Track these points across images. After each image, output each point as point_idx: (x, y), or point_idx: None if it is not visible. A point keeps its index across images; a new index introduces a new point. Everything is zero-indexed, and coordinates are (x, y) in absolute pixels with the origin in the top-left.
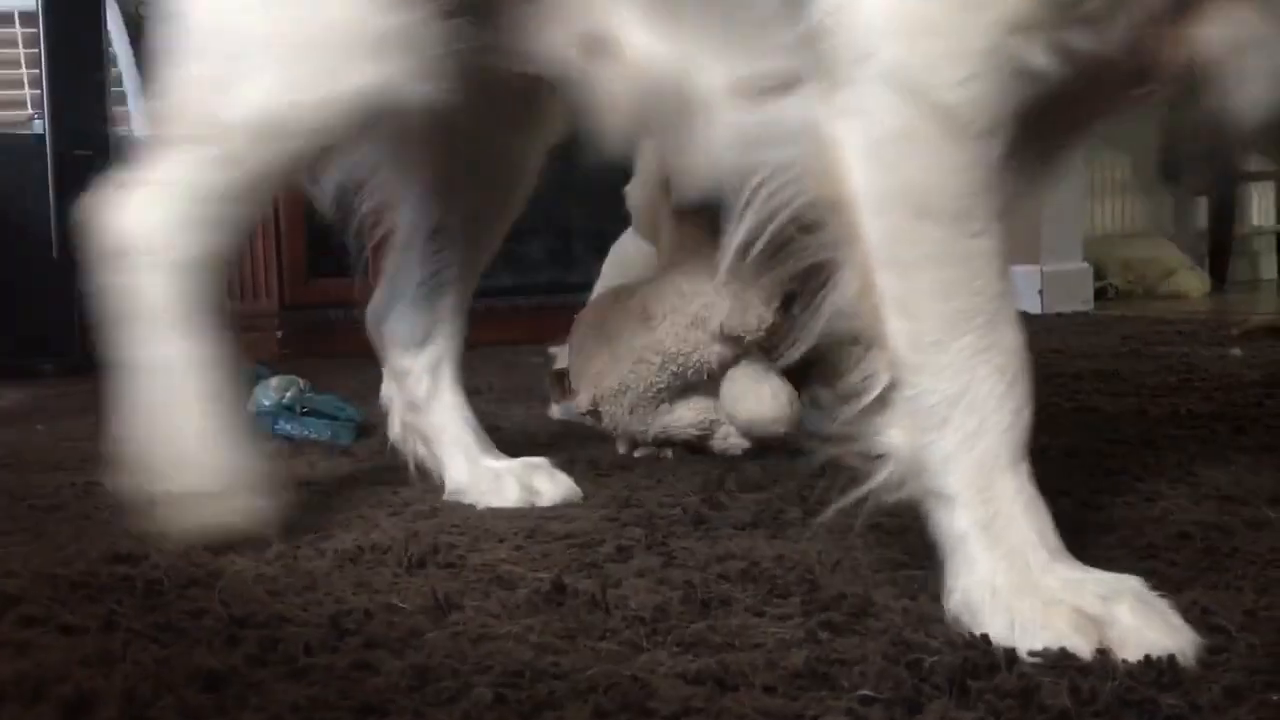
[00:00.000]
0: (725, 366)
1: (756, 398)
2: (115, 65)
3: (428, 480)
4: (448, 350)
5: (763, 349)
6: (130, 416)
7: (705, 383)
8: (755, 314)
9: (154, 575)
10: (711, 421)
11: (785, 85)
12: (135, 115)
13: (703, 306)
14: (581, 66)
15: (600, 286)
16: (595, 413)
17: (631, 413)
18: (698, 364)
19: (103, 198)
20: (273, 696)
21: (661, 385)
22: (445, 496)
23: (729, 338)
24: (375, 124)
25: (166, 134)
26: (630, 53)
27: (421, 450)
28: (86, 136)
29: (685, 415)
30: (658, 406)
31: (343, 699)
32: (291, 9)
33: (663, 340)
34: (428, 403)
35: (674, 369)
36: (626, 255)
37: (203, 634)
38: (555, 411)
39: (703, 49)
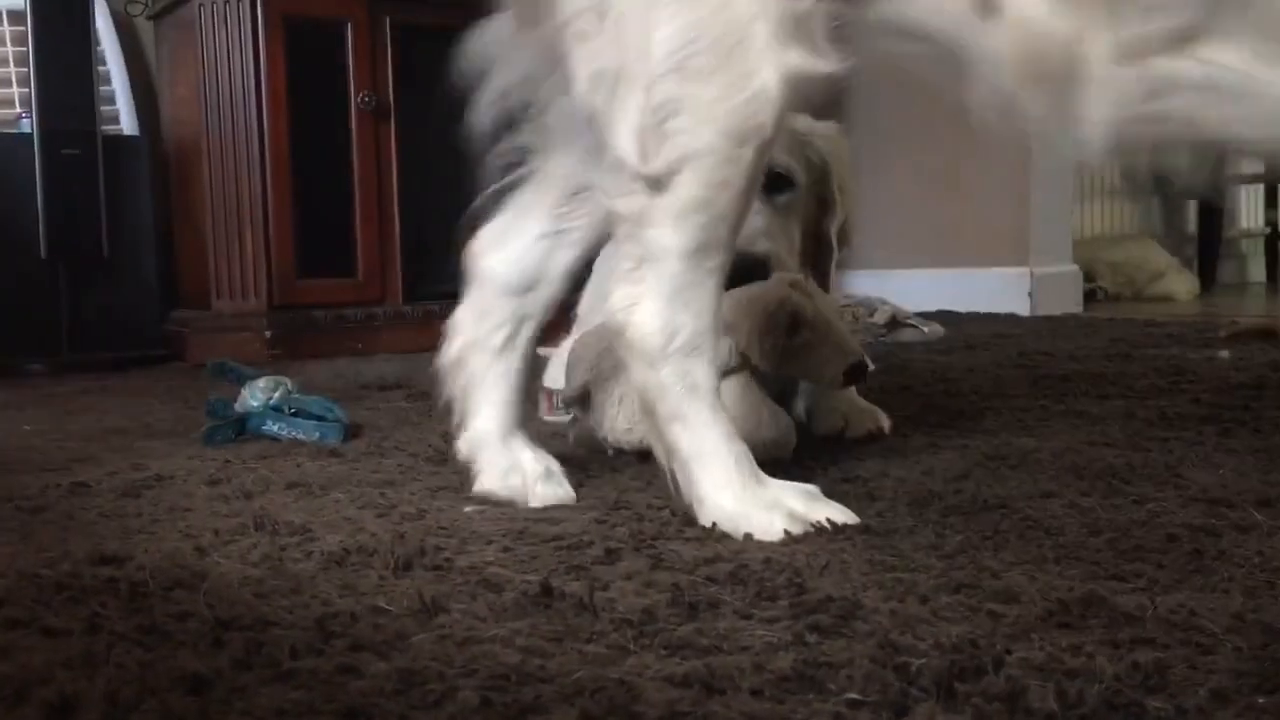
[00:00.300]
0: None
1: (757, 421)
2: (103, 65)
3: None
4: (539, 309)
5: (750, 365)
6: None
7: None
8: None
9: (138, 577)
10: None
11: (1177, 42)
12: (124, 115)
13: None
14: (971, 25)
15: (590, 291)
16: (583, 401)
17: (620, 404)
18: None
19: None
20: (257, 700)
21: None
22: (456, 446)
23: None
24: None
25: (634, 181)
26: (1020, 11)
27: (458, 391)
28: (74, 136)
29: None
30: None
31: (328, 702)
32: (702, 12)
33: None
34: (497, 351)
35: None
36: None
37: (187, 636)
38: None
39: (1094, 7)
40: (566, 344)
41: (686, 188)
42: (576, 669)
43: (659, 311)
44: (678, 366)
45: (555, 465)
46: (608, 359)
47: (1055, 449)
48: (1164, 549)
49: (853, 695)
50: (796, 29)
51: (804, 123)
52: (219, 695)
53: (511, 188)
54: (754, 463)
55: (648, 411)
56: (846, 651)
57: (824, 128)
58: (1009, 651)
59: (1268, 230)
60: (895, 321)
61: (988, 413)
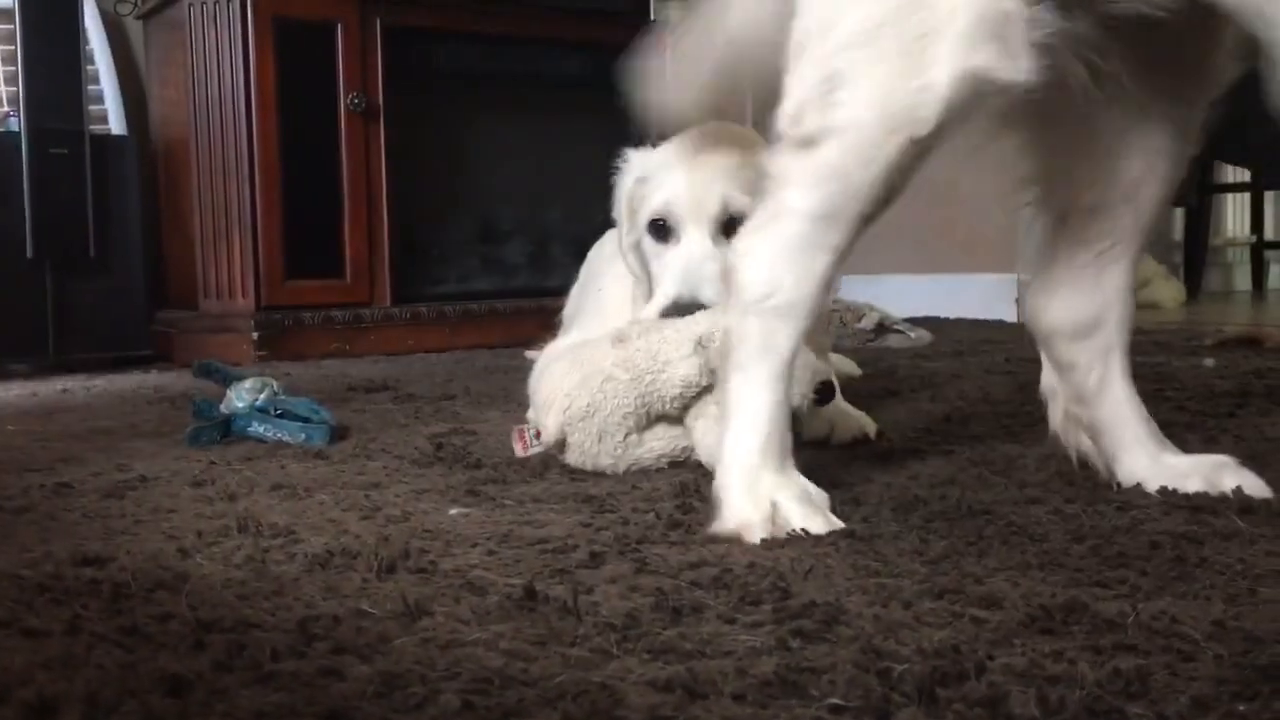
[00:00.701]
0: (690, 392)
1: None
2: (92, 64)
3: (1090, 472)
4: (1117, 336)
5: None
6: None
7: (672, 410)
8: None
9: (120, 578)
10: (683, 449)
11: None
12: (112, 115)
13: (683, 322)
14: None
15: (577, 289)
16: (563, 444)
17: (600, 440)
18: (666, 384)
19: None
20: (237, 702)
21: (628, 409)
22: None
23: (705, 349)
24: (984, 108)
25: (786, 141)
26: None
27: (1087, 444)
28: (62, 136)
29: (655, 445)
30: (625, 436)
31: (308, 705)
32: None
33: (633, 356)
34: (1097, 395)
35: (642, 389)
36: (606, 257)
37: (168, 638)
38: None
39: None
40: (550, 348)
41: (826, 153)
42: (559, 673)
43: (768, 264)
44: (765, 323)
45: (1232, 462)
46: (579, 398)
47: (1040, 455)
48: (1147, 556)
49: (835, 700)
50: (994, 30)
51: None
52: (199, 697)
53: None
54: (785, 447)
55: (724, 354)
56: (829, 656)
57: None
58: (991, 657)
59: (1253, 239)
60: (883, 327)
61: (973, 419)
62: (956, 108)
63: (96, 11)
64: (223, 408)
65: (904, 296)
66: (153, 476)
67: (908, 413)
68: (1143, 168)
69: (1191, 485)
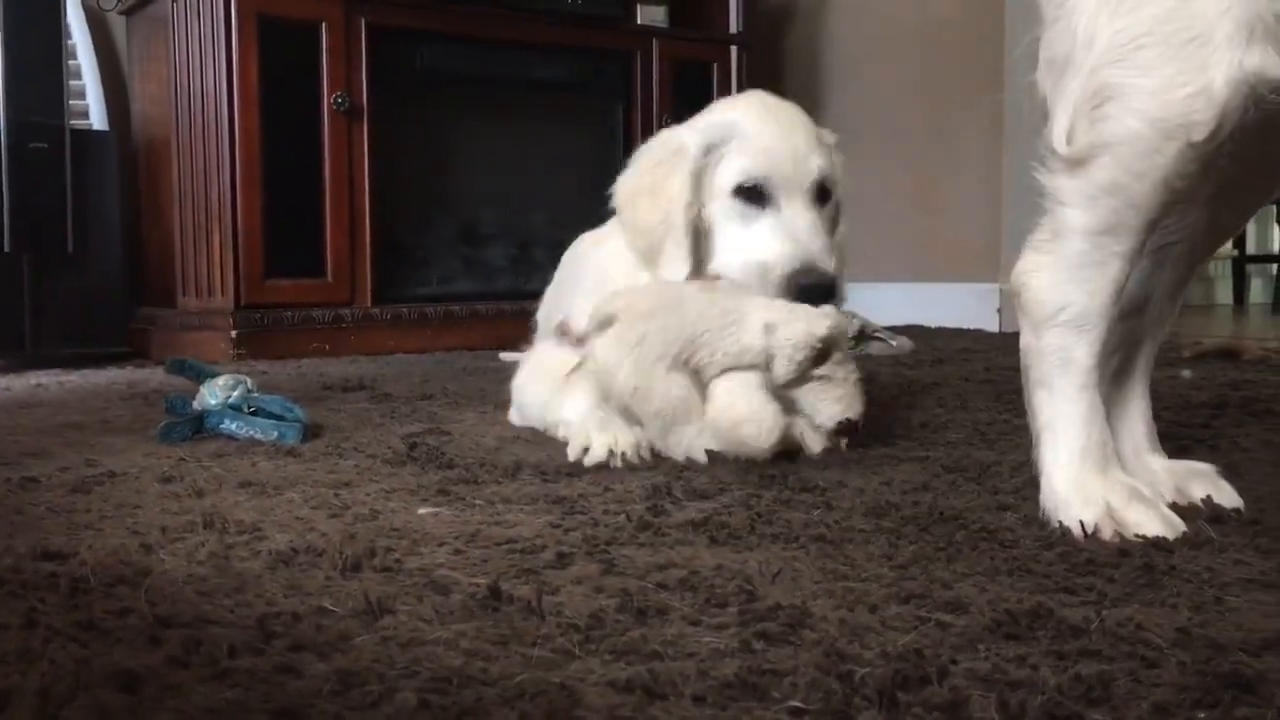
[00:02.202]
0: (734, 361)
1: (760, 416)
2: (74, 59)
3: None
4: (1151, 330)
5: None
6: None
7: (711, 369)
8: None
9: (80, 573)
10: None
11: None
12: (94, 110)
13: (781, 306)
14: None
15: (553, 291)
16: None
17: (634, 350)
18: (719, 340)
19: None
20: (190, 698)
21: (673, 338)
22: None
23: (771, 332)
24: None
25: (1058, 160)
26: None
27: None
28: (42, 130)
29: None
30: (657, 363)
31: (263, 702)
32: (1163, 6)
33: (713, 302)
34: (1115, 377)
35: (696, 332)
36: (601, 265)
37: (125, 633)
38: (514, 418)
39: None
40: (531, 352)
41: (1101, 171)
42: (519, 672)
43: (1056, 283)
44: (1059, 338)
45: (1210, 471)
46: (647, 302)
47: (1014, 462)
48: (1115, 563)
49: (795, 703)
50: (1268, 29)
51: (829, 137)
52: (152, 693)
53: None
54: (1108, 450)
55: (1024, 373)
56: (792, 659)
57: (827, 135)
58: (954, 661)
59: (1235, 253)
60: (864, 334)
61: (950, 426)
62: (1234, 110)
63: (80, 6)
64: (195, 404)
65: (888, 304)
66: (121, 472)
67: (886, 420)
68: (1245, 185)
69: (1165, 491)
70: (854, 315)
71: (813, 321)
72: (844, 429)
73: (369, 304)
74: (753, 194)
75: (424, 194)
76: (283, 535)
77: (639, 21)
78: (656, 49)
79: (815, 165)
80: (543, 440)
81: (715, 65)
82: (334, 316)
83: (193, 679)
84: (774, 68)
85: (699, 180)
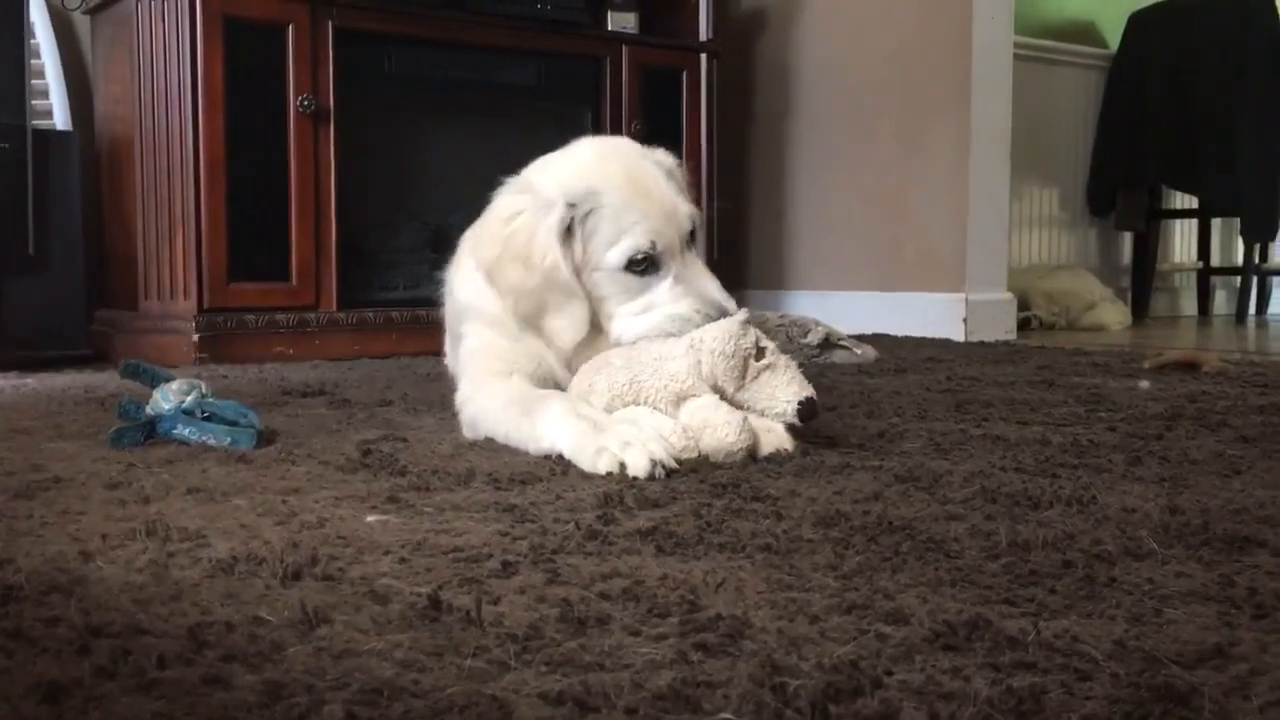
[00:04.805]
0: (675, 385)
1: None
2: (38, 58)
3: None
4: None
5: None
6: None
7: (659, 401)
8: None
9: (14, 580)
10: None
11: None
12: (57, 110)
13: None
14: None
15: (451, 345)
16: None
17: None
18: (655, 375)
19: None
20: (114, 709)
21: (618, 391)
22: None
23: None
24: None
25: None
26: None
27: None
28: (4, 130)
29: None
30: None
31: (187, 714)
32: None
33: (638, 355)
34: None
35: (634, 373)
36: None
37: (53, 643)
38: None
39: None
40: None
41: None
42: (451, 684)
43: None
44: None
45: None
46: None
47: (967, 472)
48: (1058, 574)
49: (727, 715)
50: None
51: (659, 156)
52: (76, 704)
53: None
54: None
55: None
56: (729, 671)
57: (673, 161)
58: (889, 673)
59: (1200, 266)
60: (828, 342)
61: (907, 435)
62: None
63: (43, 5)
64: (149, 409)
65: (854, 313)
66: (68, 478)
67: (843, 428)
68: None
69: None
70: (818, 323)
71: (730, 321)
72: (806, 408)
73: (334, 308)
74: (642, 264)
75: (391, 198)
76: (225, 543)
77: (609, 28)
78: (626, 55)
79: (685, 214)
80: (498, 449)
81: (685, 72)
82: (298, 320)
83: (118, 690)
84: (744, 75)
85: (569, 235)
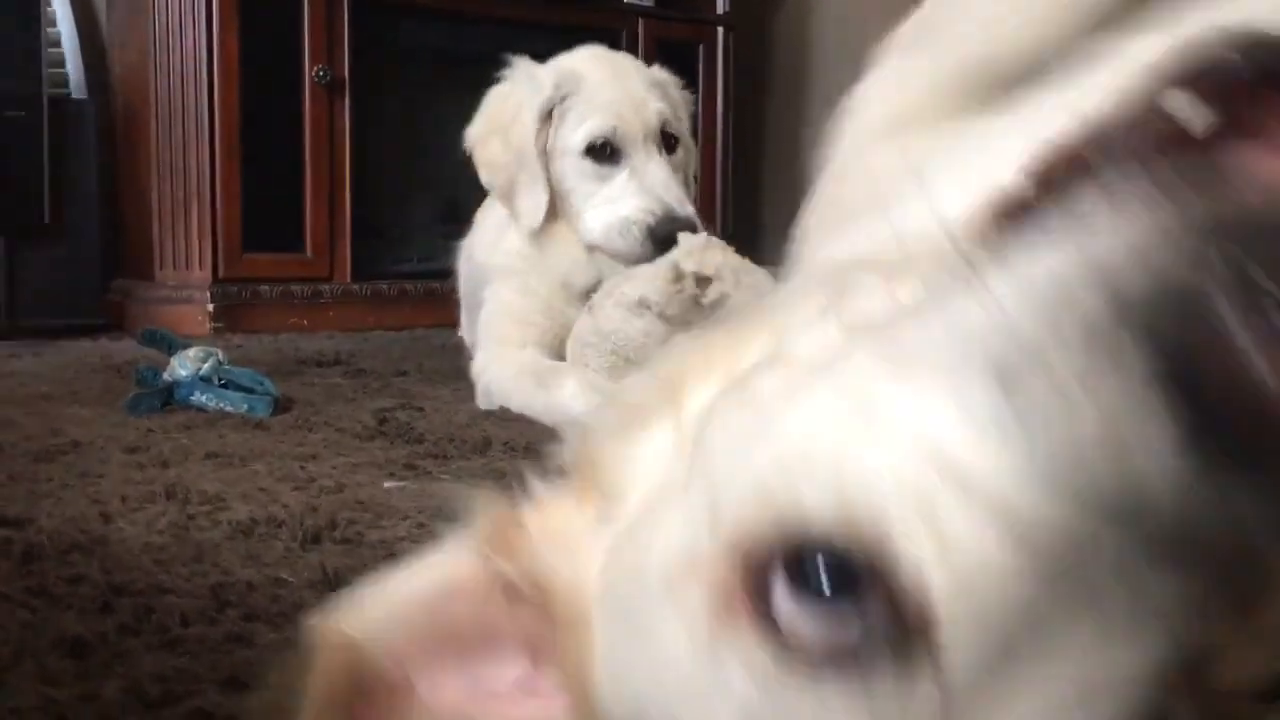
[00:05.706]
0: (653, 342)
1: None
2: (54, 25)
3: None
4: None
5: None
6: None
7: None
8: (661, 287)
9: (36, 540)
10: None
11: None
12: (73, 78)
13: (629, 286)
14: None
15: (466, 317)
16: None
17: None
18: (628, 339)
19: None
20: (138, 665)
21: (606, 365)
22: None
23: (644, 307)
24: None
25: None
26: None
27: None
28: (19, 98)
29: None
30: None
31: (211, 671)
32: None
33: (600, 322)
34: None
35: (611, 346)
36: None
37: (76, 600)
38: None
39: None
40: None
41: None
42: None
43: None
44: None
45: None
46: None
47: None
48: None
49: None
50: None
51: (662, 74)
52: (100, 659)
53: None
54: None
55: None
56: None
57: (670, 77)
58: None
59: None
60: None
61: None
62: None
63: None
64: (166, 376)
65: None
66: (86, 442)
67: None
68: None
69: None
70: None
71: (661, 263)
72: None
73: (348, 280)
74: (603, 152)
75: (406, 170)
76: (244, 506)
77: (625, 1)
78: (642, 28)
79: (655, 110)
80: (514, 418)
81: (701, 46)
82: (313, 292)
83: (142, 646)
84: (762, 48)
85: (548, 118)
